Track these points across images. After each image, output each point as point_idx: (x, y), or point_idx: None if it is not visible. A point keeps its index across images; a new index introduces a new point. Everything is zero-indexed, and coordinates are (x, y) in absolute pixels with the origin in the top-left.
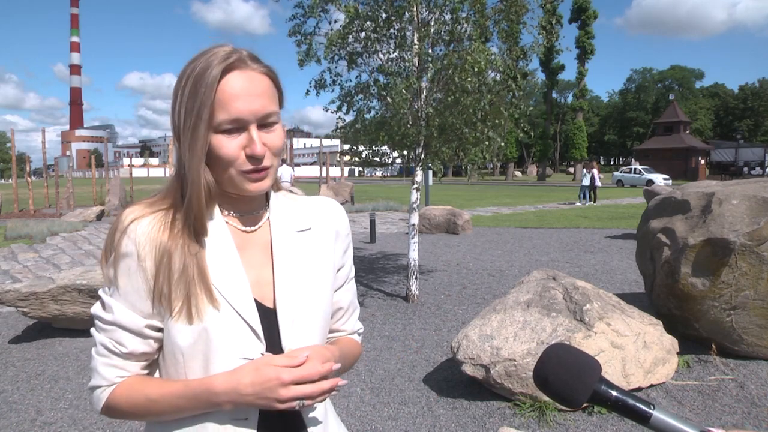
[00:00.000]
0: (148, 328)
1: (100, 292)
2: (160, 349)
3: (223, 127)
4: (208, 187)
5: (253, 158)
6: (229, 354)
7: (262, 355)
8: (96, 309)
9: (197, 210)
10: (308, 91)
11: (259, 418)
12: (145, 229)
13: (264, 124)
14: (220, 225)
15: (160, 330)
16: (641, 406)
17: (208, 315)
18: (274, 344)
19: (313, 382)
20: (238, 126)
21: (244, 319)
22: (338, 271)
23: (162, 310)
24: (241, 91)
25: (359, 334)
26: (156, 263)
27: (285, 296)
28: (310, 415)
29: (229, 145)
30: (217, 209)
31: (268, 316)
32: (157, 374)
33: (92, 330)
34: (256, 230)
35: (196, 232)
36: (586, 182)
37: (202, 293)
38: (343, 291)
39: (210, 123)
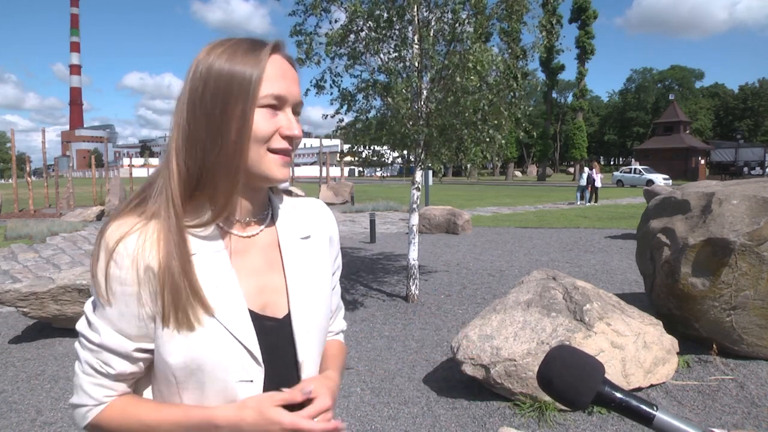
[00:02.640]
0: (137, 351)
1: (86, 309)
2: (149, 368)
3: (266, 102)
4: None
5: (289, 139)
6: (224, 377)
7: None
8: (82, 327)
9: (227, 201)
10: (308, 90)
11: None
12: (131, 250)
13: (294, 113)
14: (214, 235)
15: (148, 351)
16: (644, 408)
17: (200, 338)
18: (288, 356)
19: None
20: (278, 105)
21: (239, 341)
22: (332, 276)
23: (152, 333)
24: (285, 73)
25: (343, 332)
26: (145, 286)
27: (300, 307)
28: None
29: (267, 122)
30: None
31: (278, 328)
32: (148, 392)
33: (76, 345)
34: (257, 234)
35: (188, 243)
36: (583, 182)
37: (194, 315)
38: (334, 294)
39: (257, 99)
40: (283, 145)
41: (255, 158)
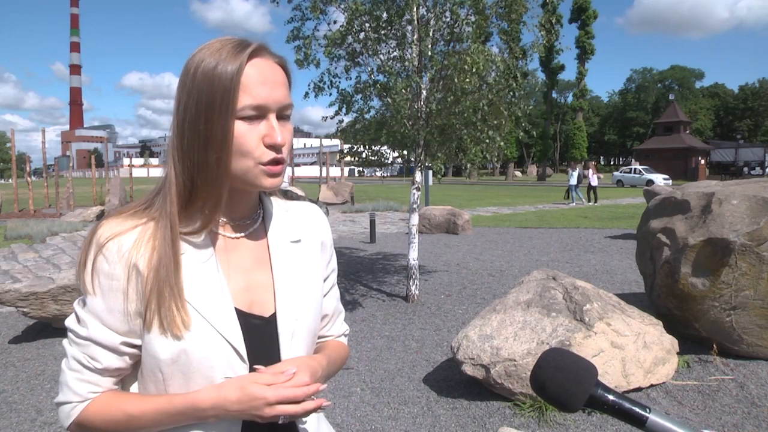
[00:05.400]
0: (123, 345)
1: (75, 306)
2: (136, 365)
3: (244, 113)
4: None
5: (274, 148)
6: (209, 374)
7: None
8: (70, 322)
9: (214, 212)
10: (307, 93)
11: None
12: (122, 249)
13: (280, 117)
14: (203, 235)
15: (135, 347)
16: (637, 410)
17: (186, 335)
18: (272, 354)
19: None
20: (259, 114)
21: (225, 339)
22: (324, 281)
23: (139, 329)
24: (266, 78)
25: (345, 336)
26: (133, 284)
27: (286, 307)
28: (302, 426)
29: (250, 133)
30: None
31: (264, 327)
32: (134, 387)
33: (64, 342)
34: (246, 236)
35: (175, 233)
36: (573, 181)
37: (181, 313)
38: (328, 298)
39: (235, 109)
40: (269, 155)
41: (241, 170)
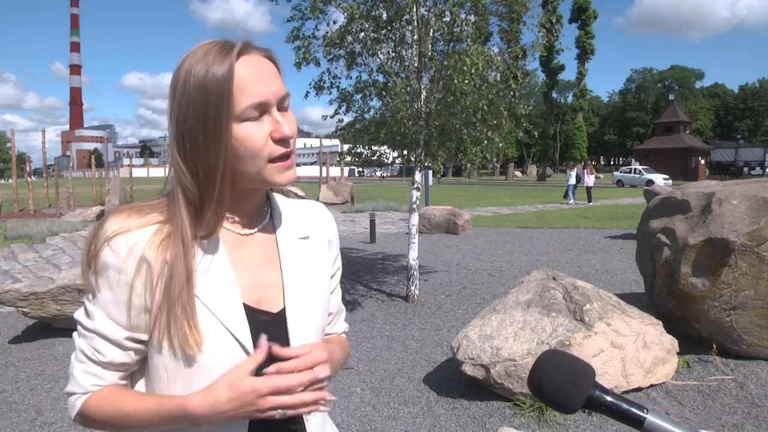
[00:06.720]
0: (128, 340)
1: (83, 299)
2: (142, 360)
3: (247, 114)
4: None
5: (283, 141)
6: (216, 371)
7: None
8: (78, 314)
9: (221, 215)
10: (307, 93)
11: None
12: (130, 242)
13: (280, 108)
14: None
15: (141, 342)
16: (635, 411)
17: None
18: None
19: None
20: (262, 111)
21: (233, 335)
22: (331, 278)
23: (145, 325)
24: (259, 75)
25: (345, 334)
26: (140, 279)
27: (295, 302)
28: (307, 426)
29: (257, 133)
30: None
31: (272, 323)
32: (141, 384)
33: (74, 335)
34: (255, 232)
35: (188, 243)
36: (572, 180)
37: (194, 333)
38: (333, 296)
39: (232, 113)
40: (279, 150)
41: (254, 171)
